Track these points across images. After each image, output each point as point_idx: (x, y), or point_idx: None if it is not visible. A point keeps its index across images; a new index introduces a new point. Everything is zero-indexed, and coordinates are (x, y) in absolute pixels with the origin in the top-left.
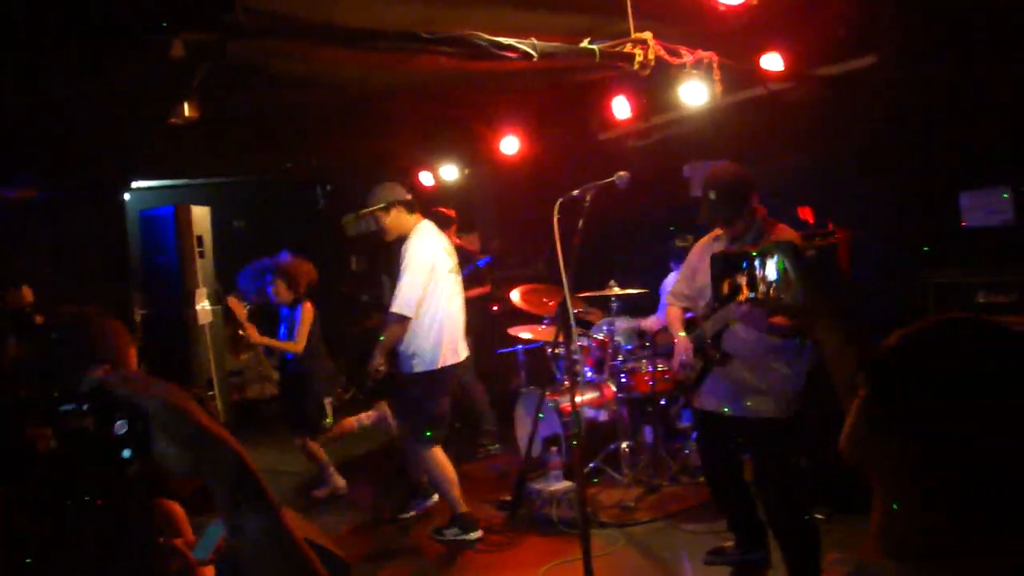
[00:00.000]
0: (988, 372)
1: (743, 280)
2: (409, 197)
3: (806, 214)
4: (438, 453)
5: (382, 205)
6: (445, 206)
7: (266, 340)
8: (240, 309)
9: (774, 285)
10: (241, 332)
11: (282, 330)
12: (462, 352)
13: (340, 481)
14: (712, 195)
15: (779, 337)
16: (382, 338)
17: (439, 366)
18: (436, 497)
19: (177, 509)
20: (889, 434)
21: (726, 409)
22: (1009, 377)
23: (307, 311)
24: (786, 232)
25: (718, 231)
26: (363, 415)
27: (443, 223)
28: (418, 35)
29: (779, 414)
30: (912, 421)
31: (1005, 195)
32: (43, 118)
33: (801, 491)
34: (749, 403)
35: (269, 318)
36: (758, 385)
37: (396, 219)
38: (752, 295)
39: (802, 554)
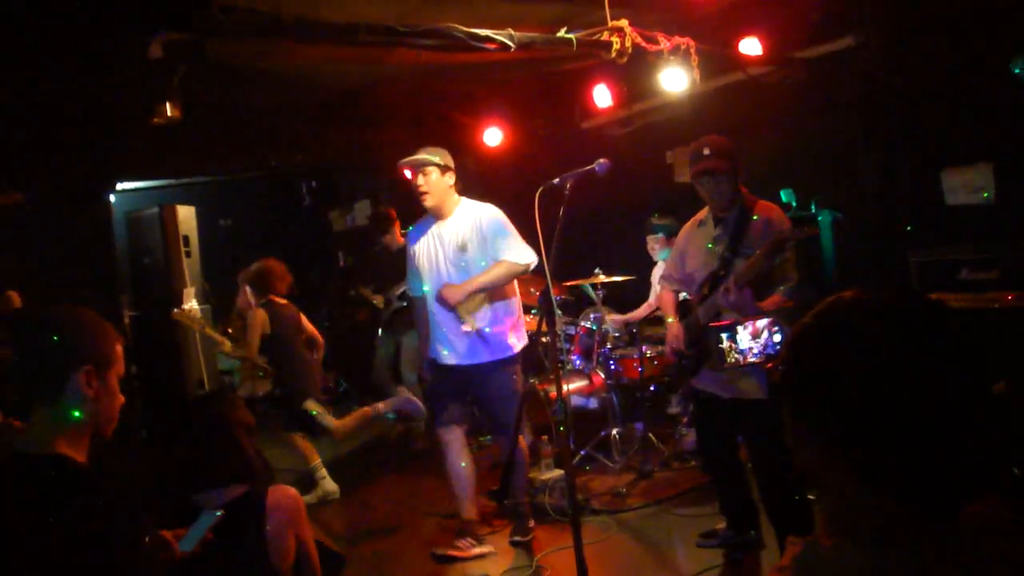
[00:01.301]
0: (869, 353)
1: (728, 347)
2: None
3: (790, 197)
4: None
5: (442, 163)
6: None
7: (228, 345)
8: (193, 321)
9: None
10: (230, 329)
11: None
12: None
13: (331, 485)
14: (706, 150)
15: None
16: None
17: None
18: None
19: None
20: (804, 429)
21: (722, 394)
22: (892, 354)
23: (256, 316)
24: (768, 209)
25: (702, 215)
26: (379, 404)
27: (385, 223)
28: (396, 28)
29: (767, 395)
30: (814, 414)
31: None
32: (25, 121)
33: (794, 471)
34: (742, 386)
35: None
36: (747, 369)
37: (446, 185)
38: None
39: (795, 534)
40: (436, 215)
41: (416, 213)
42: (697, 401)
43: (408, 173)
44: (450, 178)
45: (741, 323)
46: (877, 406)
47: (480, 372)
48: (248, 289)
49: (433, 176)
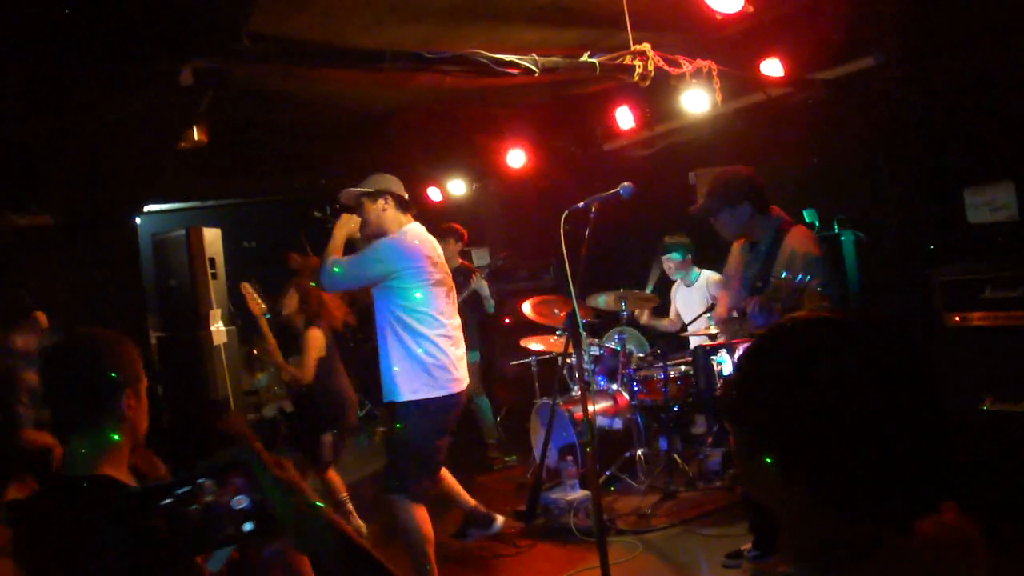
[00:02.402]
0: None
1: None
2: (404, 195)
3: (812, 217)
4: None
5: (369, 190)
6: (454, 221)
7: (279, 359)
8: (255, 302)
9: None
10: (255, 351)
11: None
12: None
13: (358, 522)
14: (705, 191)
15: None
16: None
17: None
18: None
19: None
20: (755, 448)
21: None
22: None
23: (313, 338)
24: (796, 235)
25: (742, 239)
26: None
27: (451, 237)
28: (422, 55)
29: None
30: (769, 433)
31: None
32: (53, 144)
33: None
34: None
35: (291, 337)
36: None
37: (381, 213)
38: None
39: None
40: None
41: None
42: None
43: (432, 195)
44: (384, 203)
45: (732, 346)
46: (829, 422)
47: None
48: (295, 294)
49: (368, 208)
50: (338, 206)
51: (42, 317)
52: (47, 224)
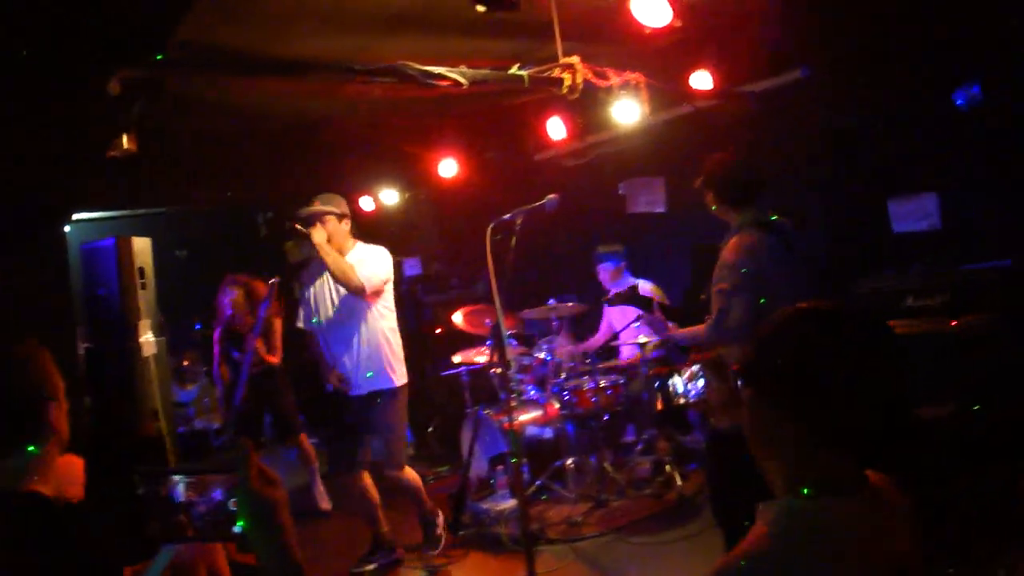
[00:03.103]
0: (822, 349)
1: (660, 398)
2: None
3: None
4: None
5: (338, 211)
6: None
7: (266, 354)
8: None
9: (686, 396)
10: (186, 362)
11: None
12: None
13: (325, 503)
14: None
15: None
16: None
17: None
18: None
19: None
20: (762, 411)
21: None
22: (842, 350)
23: (278, 323)
24: (736, 246)
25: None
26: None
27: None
28: (351, 67)
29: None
30: (771, 395)
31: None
32: None
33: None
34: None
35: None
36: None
37: (344, 232)
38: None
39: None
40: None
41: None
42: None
43: (363, 204)
44: (346, 224)
45: (678, 369)
46: (832, 385)
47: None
48: (241, 293)
49: (330, 225)
50: (290, 223)
51: None
52: None
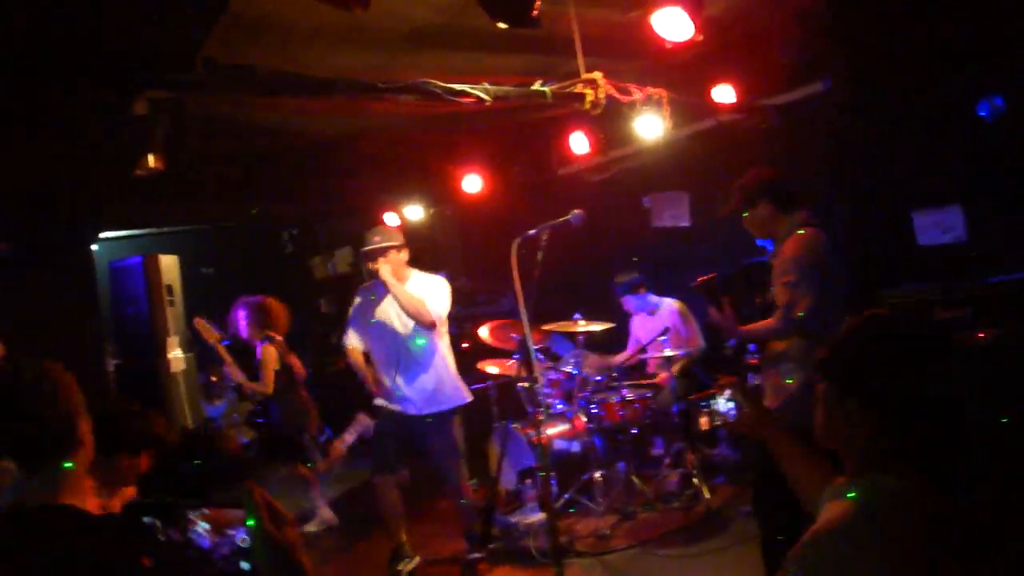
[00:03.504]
0: (898, 349)
1: (705, 418)
2: None
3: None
4: None
5: (399, 243)
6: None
7: (242, 378)
8: (210, 333)
9: (728, 416)
10: (213, 378)
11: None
12: None
13: (328, 513)
14: (728, 199)
15: None
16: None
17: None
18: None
19: None
20: (844, 402)
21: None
22: (913, 351)
23: (267, 353)
24: (795, 240)
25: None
26: (344, 435)
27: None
28: (374, 84)
29: None
30: (855, 389)
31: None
32: (8, 172)
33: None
34: None
35: (244, 356)
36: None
37: (403, 261)
38: (718, 425)
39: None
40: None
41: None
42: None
43: (388, 220)
44: (405, 254)
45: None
46: (902, 379)
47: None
48: (242, 314)
49: (391, 256)
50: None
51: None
52: (1, 252)
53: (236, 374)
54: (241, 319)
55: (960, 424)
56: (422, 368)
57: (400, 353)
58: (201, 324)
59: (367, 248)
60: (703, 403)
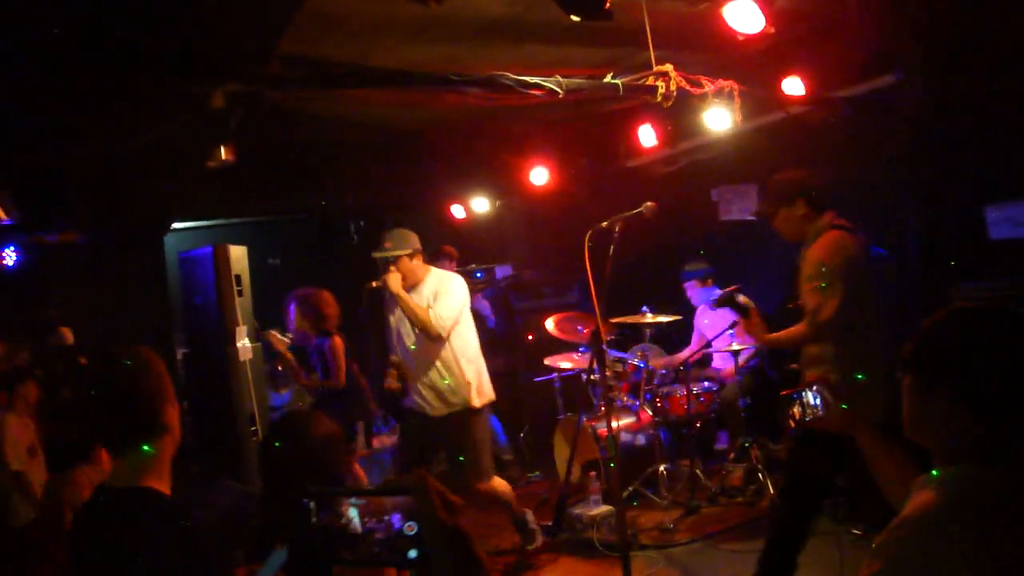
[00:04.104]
0: (991, 340)
1: (797, 409)
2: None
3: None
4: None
5: (409, 251)
6: (472, 238)
7: (310, 381)
8: (281, 343)
9: (817, 408)
10: (280, 367)
11: (316, 365)
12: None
13: None
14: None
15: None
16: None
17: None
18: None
19: None
20: (933, 395)
21: None
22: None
23: (337, 345)
24: (826, 240)
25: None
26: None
27: (443, 261)
28: (448, 77)
29: None
30: (945, 382)
31: None
32: (84, 164)
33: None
34: None
35: (299, 354)
36: None
37: (415, 267)
38: (808, 418)
39: None
40: (410, 289)
41: (463, 250)
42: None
43: (455, 212)
44: (418, 259)
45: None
46: (995, 371)
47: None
48: (298, 311)
49: (403, 265)
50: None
51: (68, 333)
52: (75, 242)
53: (302, 376)
54: (291, 313)
55: None
56: (435, 369)
57: (412, 355)
58: (274, 336)
59: (377, 255)
60: (795, 395)
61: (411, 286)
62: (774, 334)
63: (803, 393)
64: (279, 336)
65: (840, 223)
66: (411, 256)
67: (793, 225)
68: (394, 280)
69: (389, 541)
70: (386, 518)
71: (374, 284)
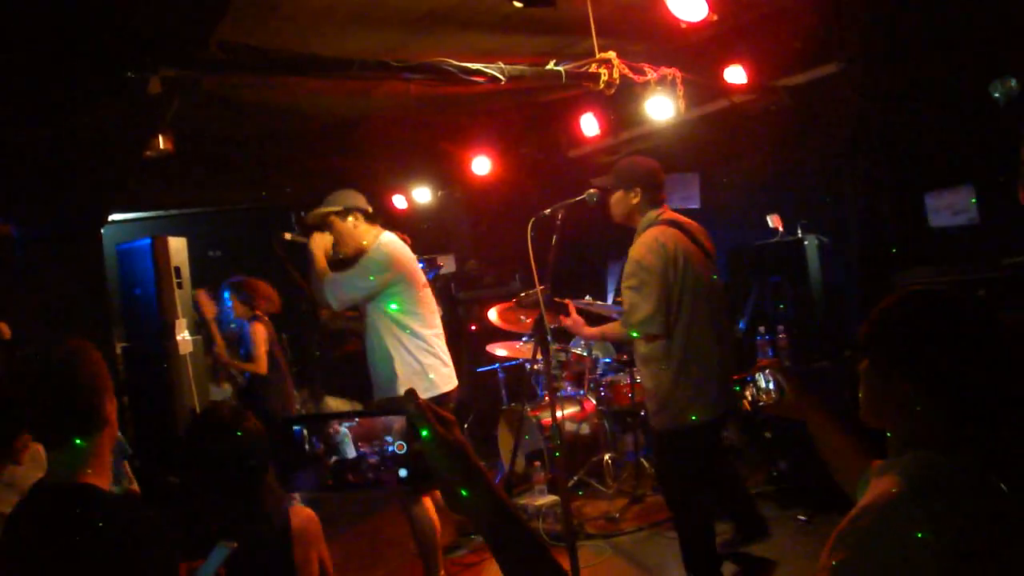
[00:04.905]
0: (941, 323)
1: (750, 391)
2: (370, 209)
3: (776, 222)
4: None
5: (338, 208)
6: (413, 229)
7: (230, 361)
8: (209, 306)
9: (771, 393)
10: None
11: (242, 351)
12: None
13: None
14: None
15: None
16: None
17: (443, 390)
18: None
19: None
20: (891, 380)
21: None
22: (954, 323)
23: (257, 331)
24: (646, 237)
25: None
26: None
27: None
28: (389, 64)
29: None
30: (904, 366)
31: (973, 200)
32: (17, 155)
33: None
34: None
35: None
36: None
37: (352, 228)
38: (761, 403)
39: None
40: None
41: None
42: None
43: (396, 203)
44: (354, 218)
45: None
46: (955, 355)
47: None
48: (234, 298)
49: (337, 225)
50: (297, 227)
51: (4, 328)
52: (10, 235)
53: (224, 354)
54: (227, 300)
55: (1008, 399)
56: (369, 352)
57: (365, 335)
58: (202, 296)
59: (306, 215)
60: (748, 378)
61: (352, 253)
62: (595, 329)
63: (755, 377)
64: (207, 298)
65: (671, 218)
66: (343, 215)
67: (623, 209)
68: (317, 238)
69: (381, 463)
70: (376, 441)
71: (287, 236)
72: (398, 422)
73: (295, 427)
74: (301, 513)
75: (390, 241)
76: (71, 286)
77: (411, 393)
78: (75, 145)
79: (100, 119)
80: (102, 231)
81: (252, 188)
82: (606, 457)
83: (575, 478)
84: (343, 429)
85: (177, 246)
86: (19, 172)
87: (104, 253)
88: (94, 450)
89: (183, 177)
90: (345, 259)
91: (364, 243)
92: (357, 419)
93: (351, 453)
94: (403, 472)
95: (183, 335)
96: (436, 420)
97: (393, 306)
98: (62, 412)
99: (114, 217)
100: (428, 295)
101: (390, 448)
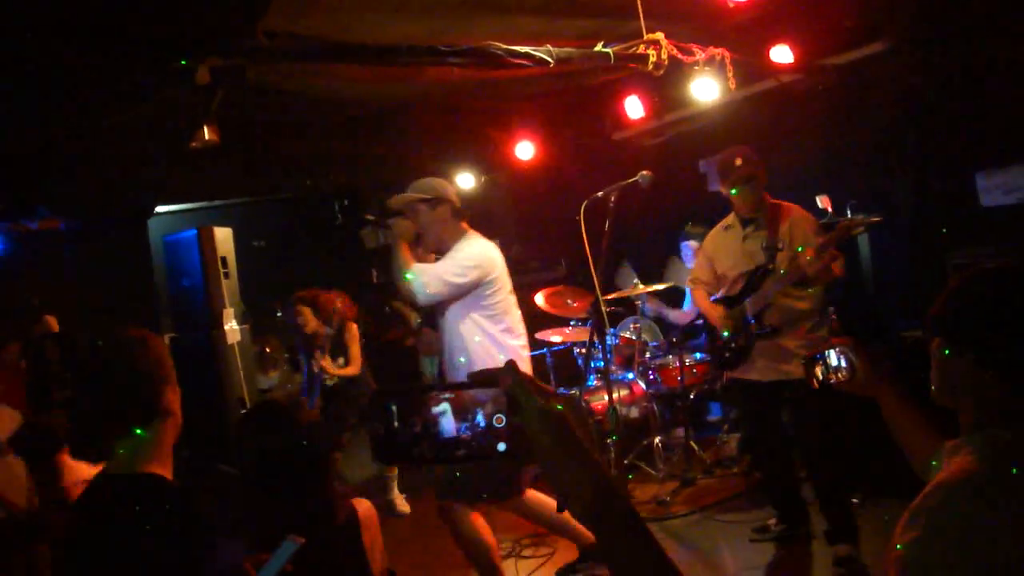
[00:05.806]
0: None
1: (820, 369)
2: (459, 204)
3: (825, 203)
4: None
5: (430, 197)
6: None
7: (330, 365)
8: (313, 322)
9: (842, 371)
10: (268, 350)
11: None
12: None
13: (404, 506)
14: (738, 160)
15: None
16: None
17: None
18: None
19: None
20: (963, 359)
21: (762, 378)
22: None
23: (352, 330)
24: (794, 210)
25: (727, 220)
26: None
27: None
28: (436, 48)
29: None
30: (977, 346)
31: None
32: (64, 148)
33: (840, 446)
34: (784, 367)
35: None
36: (797, 351)
37: (441, 221)
38: (832, 381)
39: (841, 511)
40: (439, 252)
41: None
42: (744, 395)
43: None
44: (444, 210)
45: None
46: (1016, 333)
47: None
48: (307, 310)
49: (422, 216)
50: (369, 214)
51: (52, 321)
52: (58, 229)
53: (330, 366)
54: (305, 313)
55: None
56: (451, 351)
57: (444, 333)
58: (306, 312)
59: (390, 200)
60: (818, 355)
61: (437, 245)
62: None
63: (827, 354)
64: (311, 315)
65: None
66: (432, 204)
67: (756, 203)
68: (401, 224)
69: (478, 437)
70: (468, 415)
71: (369, 217)
72: (493, 395)
73: (389, 402)
74: (363, 505)
75: (483, 240)
76: (119, 278)
77: (511, 365)
78: (121, 140)
79: (147, 112)
80: (148, 223)
81: (295, 177)
82: (656, 440)
83: (625, 462)
84: (442, 402)
85: (223, 236)
86: (66, 167)
87: (151, 245)
88: (156, 440)
89: (227, 168)
90: (428, 251)
91: (449, 238)
92: (452, 393)
93: (448, 427)
94: (502, 446)
95: (231, 324)
96: (536, 390)
97: (486, 313)
98: (123, 402)
99: (160, 209)
100: (515, 303)
101: (484, 422)
